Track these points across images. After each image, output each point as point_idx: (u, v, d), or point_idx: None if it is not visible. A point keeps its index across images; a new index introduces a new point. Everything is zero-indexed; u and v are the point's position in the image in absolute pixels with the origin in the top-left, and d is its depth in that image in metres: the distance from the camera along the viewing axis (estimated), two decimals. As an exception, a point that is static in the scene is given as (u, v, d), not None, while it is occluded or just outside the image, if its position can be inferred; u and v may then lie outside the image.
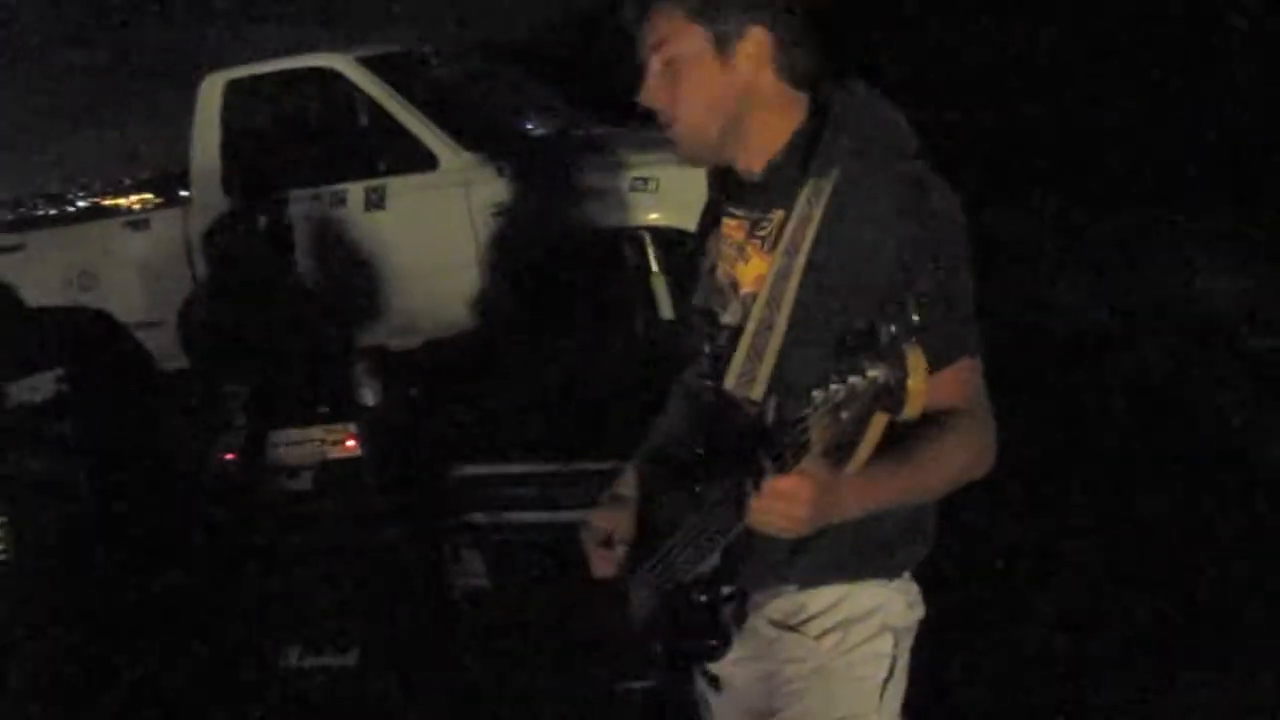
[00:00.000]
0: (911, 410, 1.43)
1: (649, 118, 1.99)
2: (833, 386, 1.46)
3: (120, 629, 4.54)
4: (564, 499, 3.92)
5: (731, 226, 1.98)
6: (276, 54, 7.87)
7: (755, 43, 1.86)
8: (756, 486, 1.60)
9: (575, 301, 6.25)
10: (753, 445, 1.66)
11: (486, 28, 11.43)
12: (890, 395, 1.42)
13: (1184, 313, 6.39)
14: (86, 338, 7.51)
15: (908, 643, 1.99)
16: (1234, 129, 8.32)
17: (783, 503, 1.60)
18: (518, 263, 6.75)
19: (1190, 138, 8.29)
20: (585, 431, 4.06)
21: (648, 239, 6.27)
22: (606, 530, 2.10)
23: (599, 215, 6.58)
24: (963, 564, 3.78)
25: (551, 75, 8.52)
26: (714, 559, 1.83)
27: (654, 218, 6.39)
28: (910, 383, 1.41)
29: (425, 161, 6.92)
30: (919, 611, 2.02)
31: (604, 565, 2.09)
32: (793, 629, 1.94)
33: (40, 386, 5.58)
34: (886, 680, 1.94)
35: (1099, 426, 5.26)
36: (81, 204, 9.37)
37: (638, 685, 2.10)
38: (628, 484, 2.16)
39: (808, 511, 1.61)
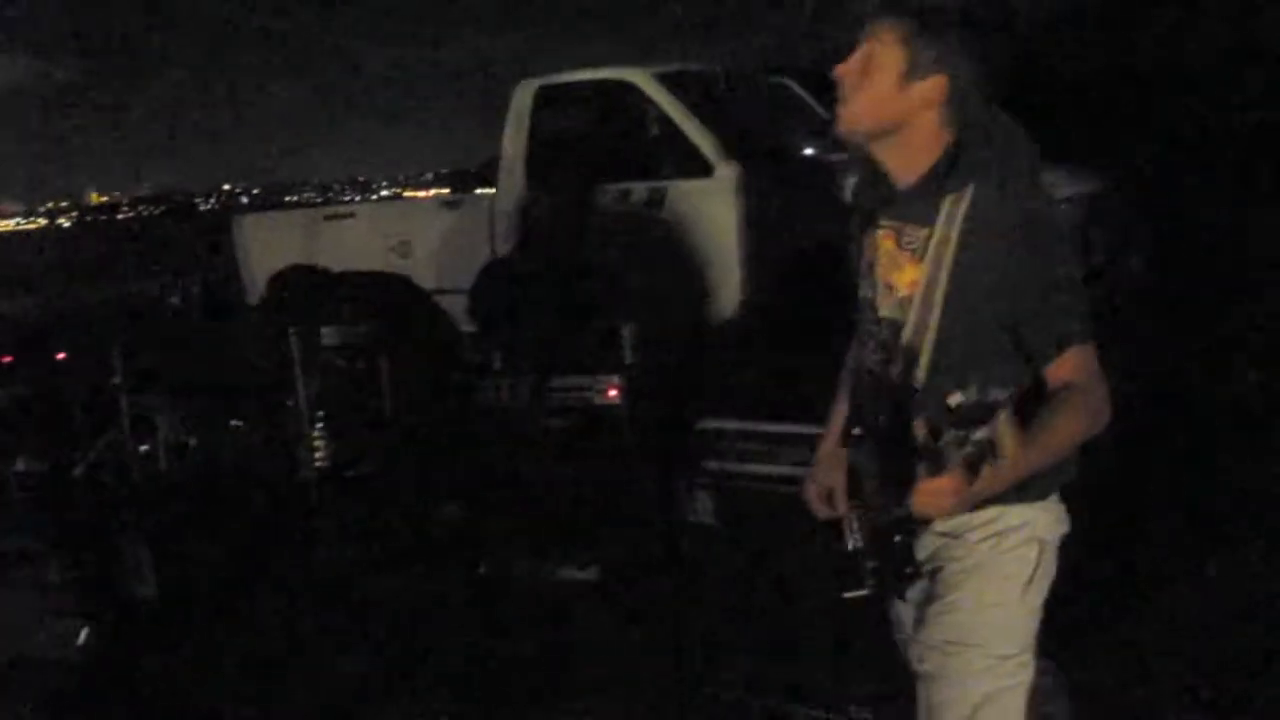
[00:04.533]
0: (1003, 452, 2.04)
1: None
2: (956, 432, 2.06)
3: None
4: (785, 455, 4.63)
5: (883, 236, 2.46)
6: (576, 66, 8.94)
7: (933, 87, 2.31)
8: (913, 485, 2.19)
9: (816, 304, 6.91)
10: (910, 438, 2.21)
11: (777, 52, 12.15)
12: (991, 447, 2.05)
13: None
14: (391, 298, 8.61)
15: (1052, 552, 2.50)
16: None
17: (935, 498, 2.18)
18: (773, 265, 7.49)
19: None
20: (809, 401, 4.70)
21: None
22: (824, 481, 2.68)
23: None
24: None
25: (829, 100, 9.21)
26: (904, 510, 2.34)
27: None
28: (1002, 439, 2.03)
29: (702, 169, 7.75)
30: (1064, 527, 2.52)
31: (823, 509, 2.68)
32: (957, 537, 2.48)
33: (349, 333, 6.65)
34: (1029, 581, 2.46)
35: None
36: (384, 193, 10.60)
37: (858, 594, 2.57)
38: (834, 440, 2.73)
39: (952, 502, 2.18)
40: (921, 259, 2.34)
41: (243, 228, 10.02)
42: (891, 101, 2.35)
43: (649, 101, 8.03)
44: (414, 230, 8.81)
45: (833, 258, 7.07)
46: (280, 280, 9.25)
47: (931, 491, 2.16)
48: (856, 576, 2.54)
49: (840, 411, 2.77)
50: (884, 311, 2.45)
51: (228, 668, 4.63)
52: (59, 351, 8.01)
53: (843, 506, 2.62)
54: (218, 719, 4.32)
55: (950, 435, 2.06)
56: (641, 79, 8.14)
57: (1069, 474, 2.49)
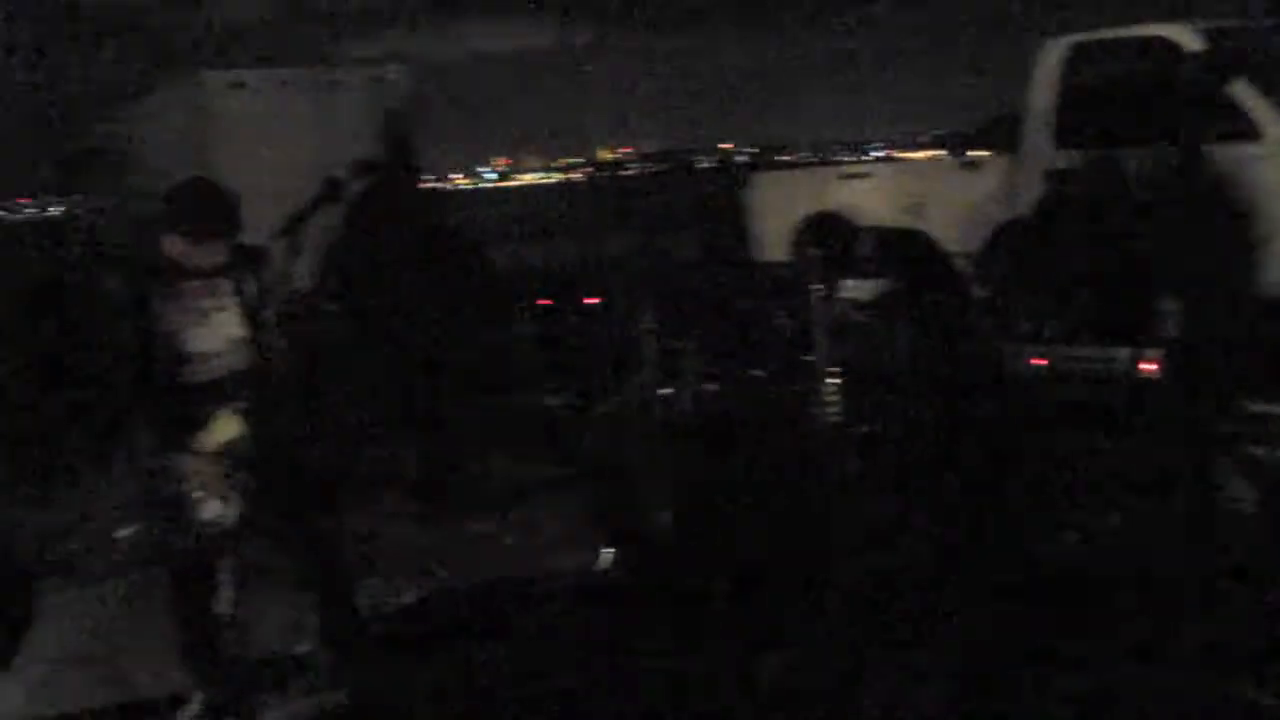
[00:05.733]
0: None
1: None
2: None
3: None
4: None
5: None
6: (1097, 23, 8.53)
7: None
8: None
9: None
10: None
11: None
12: None
13: None
14: (912, 254, 8.54)
15: None
16: None
17: None
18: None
19: None
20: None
21: None
22: None
23: None
24: None
25: None
26: None
27: None
28: None
29: (1249, 132, 7.18)
30: None
31: None
32: None
33: (867, 288, 6.66)
34: None
35: None
36: (877, 154, 10.57)
37: None
38: None
39: None
40: None
41: (759, 184, 10.31)
42: None
43: (1191, 59, 7.51)
44: (929, 190, 8.74)
45: None
46: (797, 235, 9.45)
47: None
48: None
49: None
50: None
51: (737, 602, 4.77)
52: (590, 297, 8.60)
53: None
54: (730, 660, 4.45)
55: None
56: (1184, 36, 7.65)
57: None
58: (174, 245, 4.12)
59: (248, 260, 4.18)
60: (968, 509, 5.00)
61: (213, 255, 4.11)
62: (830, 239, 8.89)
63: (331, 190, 4.17)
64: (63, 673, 4.89)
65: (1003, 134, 8.84)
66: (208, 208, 4.15)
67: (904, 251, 8.32)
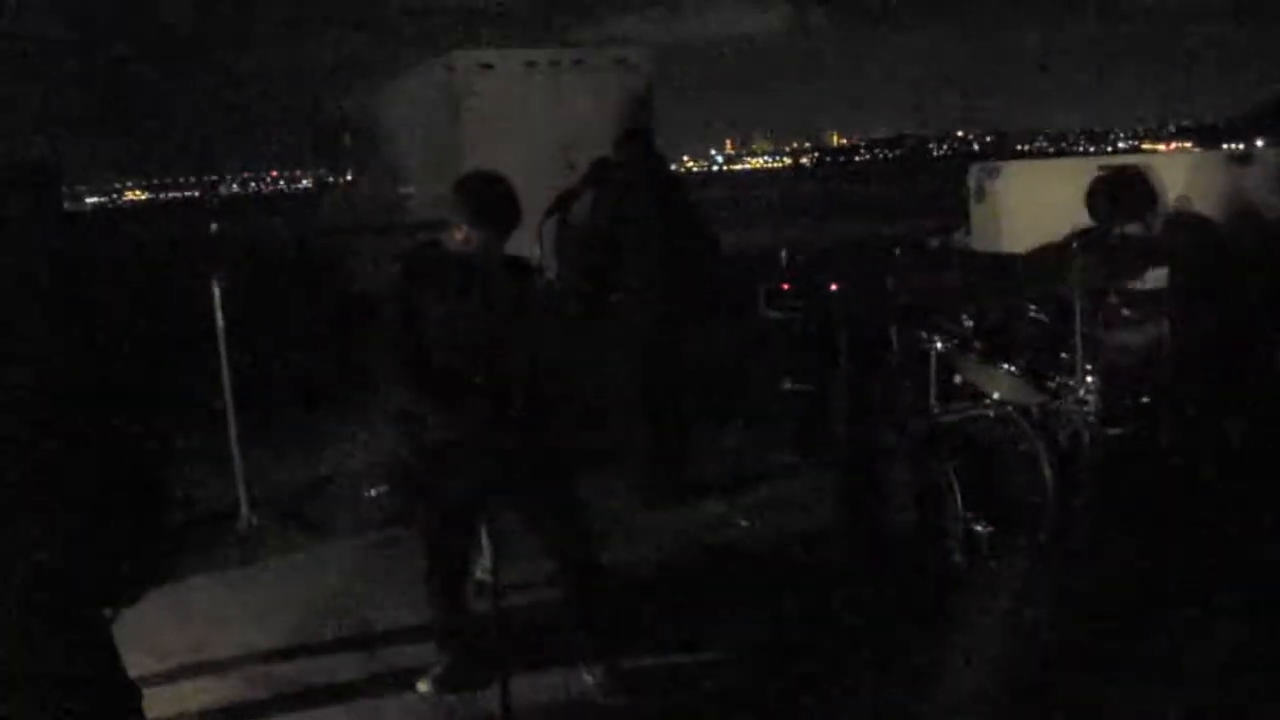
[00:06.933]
0: None
1: None
2: None
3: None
4: None
5: None
6: None
7: None
8: None
9: None
10: None
11: None
12: None
13: None
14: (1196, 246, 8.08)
15: None
16: None
17: None
18: None
19: None
20: None
21: None
22: None
23: None
24: None
25: None
26: None
27: None
28: None
29: None
30: None
31: None
32: None
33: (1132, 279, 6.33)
34: None
35: None
36: (1121, 145, 10.06)
37: None
38: None
39: None
40: None
41: (1004, 176, 10.00)
42: None
43: None
44: (1195, 185, 8.32)
45: None
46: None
47: None
48: None
49: None
50: None
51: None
52: (832, 282, 8.46)
53: None
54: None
55: None
56: None
57: None
58: (457, 234, 4.14)
59: (520, 269, 4.13)
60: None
61: (490, 249, 4.09)
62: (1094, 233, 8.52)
63: (602, 171, 4.16)
64: (311, 618, 5.15)
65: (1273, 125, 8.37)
66: (497, 203, 4.12)
67: (1188, 243, 7.91)
